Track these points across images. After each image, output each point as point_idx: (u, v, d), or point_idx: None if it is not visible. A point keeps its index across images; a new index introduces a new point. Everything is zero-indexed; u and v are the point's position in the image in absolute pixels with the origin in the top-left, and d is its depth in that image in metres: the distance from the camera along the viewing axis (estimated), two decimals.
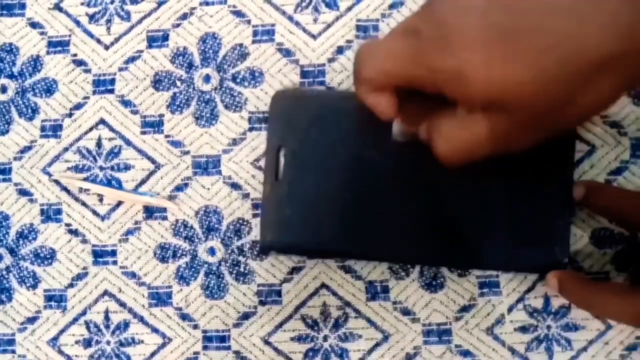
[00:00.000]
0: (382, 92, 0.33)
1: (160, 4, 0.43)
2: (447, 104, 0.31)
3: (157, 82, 0.42)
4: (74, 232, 0.42)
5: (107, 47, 0.43)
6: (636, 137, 0.40)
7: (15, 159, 0.43)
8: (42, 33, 0.43)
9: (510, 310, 0.40)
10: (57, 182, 0.43)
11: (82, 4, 0.43)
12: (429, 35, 0.29)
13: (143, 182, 0.42)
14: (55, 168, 0.43)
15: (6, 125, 0.43)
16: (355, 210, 0.39)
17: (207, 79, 0.42)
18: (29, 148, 0.43)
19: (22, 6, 0.44)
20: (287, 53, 0.42)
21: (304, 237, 0.40)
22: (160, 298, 0.42)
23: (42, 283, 0.42)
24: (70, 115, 0.43)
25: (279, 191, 0.40)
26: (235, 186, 0.42)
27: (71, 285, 0.42)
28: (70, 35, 0.43)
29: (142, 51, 0.43)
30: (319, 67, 0.42)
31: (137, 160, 0.42)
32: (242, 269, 0.41)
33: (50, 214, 0.43)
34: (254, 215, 0.41)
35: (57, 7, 0.43)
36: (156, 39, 0.43)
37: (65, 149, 0.43)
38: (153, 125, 0.42)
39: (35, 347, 0.42)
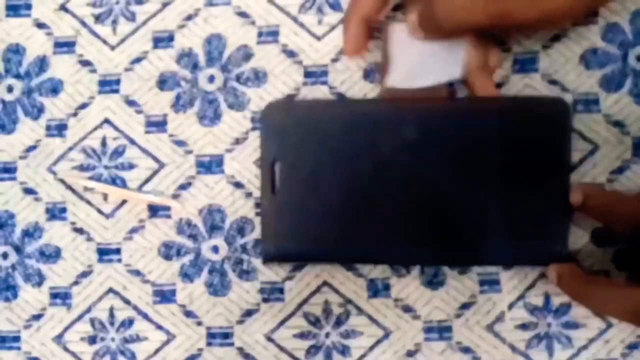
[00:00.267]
0: None
1: (165, 5, 0.43)
2: None
3: (162, 82, 0.43)
4: (79, 231, 0.43)
5: (112, 48, 0.43)
6: (638, 137, 0.40)
7: (20, 157, 0.43)
8: (48, 34, 0.44)
9: (510, 307, 0.40)
10: (62, 181, 0.43)
11: (88, 4, 0.44)
12: None
13: (147, 181, 0.43)
14: (60, 167, 0.43)
15: (12, 125, 0.44)
16: (353, 217, 0.39)
17: (211, 79, 0.43)
18: (34, 147, 0.43)
19: (28, 7, 0.44)
20: (291, 54, 0.42)
21: (305, 246, 0.40)
22: (164, 295, 0.42)
23: (48, 281, 0.43)
24: (75, 114, 0.43)
25: (277, 204, 0.40)
26: (238, 185, 0.42)
27: (76, 283, 0.43)
28: (76, 36, 0.44)
29: (147, 52, 0.43)
30: (323, 68, 0.42)
31: (141, 160, 0.43)
32: (245, 267, 0.42)
33: (56, 212, 0.43)
34: (257, 214, 0.42)
35: (63, 8, 0.44)
36: (162, 40, 0.43)
37: (70, 148, 0.43)
38: (157, 124, 0.43)
39: (41, 344, 0.43)
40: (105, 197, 0.43)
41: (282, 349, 0.41)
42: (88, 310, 0.43)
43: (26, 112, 0.44)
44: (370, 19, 0.38)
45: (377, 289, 0.41)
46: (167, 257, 0.42)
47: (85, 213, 0.43)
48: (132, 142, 0.43)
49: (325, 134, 0.40)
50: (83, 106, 0.43)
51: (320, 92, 0.42)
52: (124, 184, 0.43)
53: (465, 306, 0.40)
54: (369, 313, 0.41)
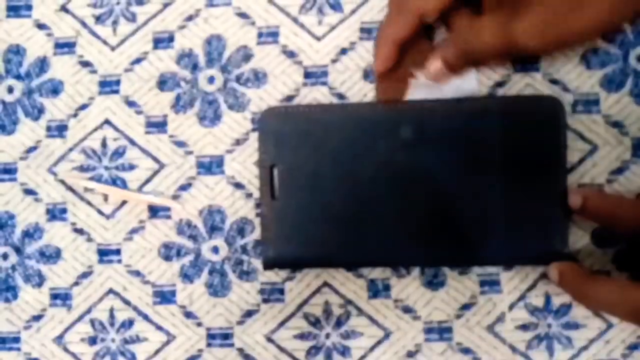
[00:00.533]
0: None
1: (166, 6, 0.43)
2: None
3: (162, 83, 0.43)
4: (79, 231, 0.43)
5: (113, 49, 0.43)
6: (637, 137, 0.40)
7: (21, 158, 0.43)
8: (48, 34, 0.44)
9: (511, 308, 0.40)
10: (62, 181, 0.43)
11: (88, 5, 0.44)
12: None
13: (147, 181, 0.43)
14: (60, 168, 0.43)
15: (12, 126, 0.44)
16: (353, 220, 0.39)
17: (211, 79, 0.43)
18: (34, 148, 0.43)
19: (29, 8, 0.44)
20: (290, 54, 0.42)
21: (306, 251, 0.40)
22: (164, 296, 0.42)
23: (48, 281, 0.43)
24: (75, 115, 0.43)
25: (277, 210, 0.40)
26: (238, 186, 0.42)
27: (76, 284, 0.43)
28: (76, 37, 0.44)
29: (147, 52, 0.43)
30: (323, 69, 0.42)
31: (141, 160, 0.43)
32: (245, 268, 0.42)
33: (56, 213, 0.43)
34: (257, 215, 0.42)
35: (64, 9, 0.44)
36: (162, 40, 0.43)
37: (71, 149, 0.43)
38: (157, 125, 0.43)
39: (41, 344, 0.43)
40: (105, 197, 0.43)
41: (282, 349, 0.41)
42: (88, 311, 0.43)
43: (26, 113, 0.44)
44: (401, 41, 0.39)
45: (377, 290, 0.41)
46: (167, 258, 0.42)
47: (86, 214, 0.43)
48: (133, 142, 0.43)
49: (324, 138, 0.40)
50: (83, 107, 0.43)
51: (320, 92, 0.42)
52: (124, 185, 0.43)
53: (465, 307, 0.40)
54: (369, 314, 0.41)
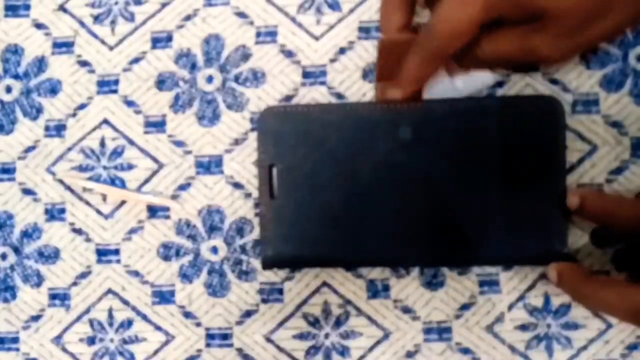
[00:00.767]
0: None
1: (164, 5, 0.43)
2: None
3: (161, 83, 0.43)
4: (78, 231, 0.43)
5: (111, 48, 0.43)
6: (637, 137, 0.40)
7: (19, 158, 0.43)
8: (46, 34, 0.44)
9: (510, 308, 0.40)
10: (61, 181, 0.43)
11: (86, 5, 0.44)
12: None
13: (146, 181, 0.43)
14: (59, 167, 0.43)
15: (11, 125, 0.44)
16: (352, 220, 0.39)
17: (209, 79, 0.43)
18: (33, 148, 0.43)
19: (27, 7, 0.44)
20: (289, 54, 0.42)
21: (305, 251, 0.40)
22: (163, 296, 0.42)
23: (46, 281, 0.43)
24: (74, 115, 0.43)
25: (276, 209, 0.40)
26: (237, 185, 0.42)
27: (75, 284, 0.43)
28: (75, 36, 0.44)
29: (146, 52, 0.43)
30: (321, 68, 0.42)
31: (140, 160, 0.43)
32: (244, 268, 0.42)
33: (54, 213, 0.43)
34: (256, 215, 0.42)
35: (62, 8, 0.44)
36: (160, 40, 0.43)
37: (69, 149, 0.43)
38: (156, 125, 0.43)
39: (39, 345, 0.43)
40: (104, 197, 0.43)
41: (281, 349, 0.41)
42: (87, 311, 0.42)
43: (25, 113, 0.44)
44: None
45: (376, 290, 0.41)
46: (166, 258, 0.42)
47: (84, 214, 0.43)
48: (131, 142, 0.43)
49: (323, 138, 0.40)
50: (82, 106, 0.43)
51: (318, 92, 0.42)
52: (123, 185, 0.43)
53: (464, 307, 0.40)
54: (369, 314, 0.41)
